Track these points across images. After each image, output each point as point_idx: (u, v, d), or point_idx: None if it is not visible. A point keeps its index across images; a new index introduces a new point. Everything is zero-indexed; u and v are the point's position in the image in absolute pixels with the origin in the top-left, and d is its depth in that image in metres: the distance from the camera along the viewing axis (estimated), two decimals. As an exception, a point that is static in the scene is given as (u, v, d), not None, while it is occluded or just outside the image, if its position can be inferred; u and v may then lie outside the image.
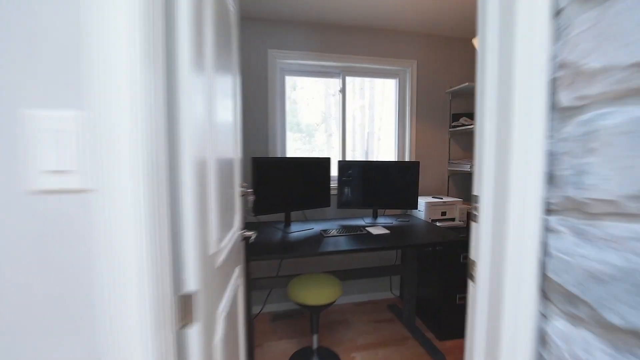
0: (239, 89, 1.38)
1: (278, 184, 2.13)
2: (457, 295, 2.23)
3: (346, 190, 2.42)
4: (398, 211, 2.81)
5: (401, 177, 2.43)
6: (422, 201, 2.55)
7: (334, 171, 2.72)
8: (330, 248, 1.75)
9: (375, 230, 2.11)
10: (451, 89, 2.82)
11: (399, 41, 2.74)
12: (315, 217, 2.64)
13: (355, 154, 2.83)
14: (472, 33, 2.81)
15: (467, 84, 2.61)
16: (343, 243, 1.84)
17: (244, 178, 2.45)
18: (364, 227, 2.23)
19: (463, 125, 2.77)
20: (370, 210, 2.72)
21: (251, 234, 1.35)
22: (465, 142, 3.00)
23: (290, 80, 2.63)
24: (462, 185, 3.02)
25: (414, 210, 2.66)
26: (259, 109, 2.50)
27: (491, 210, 0.72)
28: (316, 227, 2.22)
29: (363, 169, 2.41)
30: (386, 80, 2.85)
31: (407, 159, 2.86)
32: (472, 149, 3.18)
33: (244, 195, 1.36)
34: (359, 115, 2.81)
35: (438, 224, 2.47)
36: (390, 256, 2.85)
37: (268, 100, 2.50)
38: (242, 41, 2.44)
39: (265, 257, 1.64)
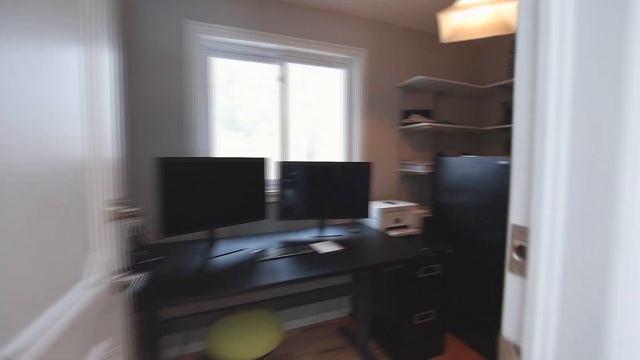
0: (118, 65, 0.86)
1: (197, 193, 1.62)
2: (415, 315, 1.95)
3: (288, 197, 1.99)
4: (348, 219, 2.47)
5: (351, 181, 2.09)
6: (374, 207, 2.24)
7: (273, 175, 2.27)
8: (266, 279, 1.31)
9: (323, 247, 1.72)
10: (402, 83, 2.57)
11: (348, 26, 2.40)
12: (250, 232, 2.16)
13: (299, 154, 2.41)
14: (428, 26, 2.60)
15: (419, 77, 2.37)
16: (283, 269, 1.41)
17: (131, 189, 1.87)
18: (309, 243, 1.83)
19: (414, 122, 2.54)
20: (317, 221, 2.33)
21: (135, 278, 0.85)
22: (416, 141, 2.79)
23: (221, 67, 2.11)
24: (414, 188, 2.80)
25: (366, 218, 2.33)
26: (170, 97, 1.94)
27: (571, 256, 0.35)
28: (250, 247, 1.75)
29: (307, 171, 2.01)
30: (333, 70, 2.49)
31: (355, 159, 2.54)
32: (425, 149, 3.10)
33: (120, 217, 0.85)
34: (303, 108, 2.40)
35: (392, 232, 2.18)
36: (339, 270, 2.49)
37: (183, 86, 1.96)
38: (141, 2, 1.86)
39: (166, 303, 1.13)
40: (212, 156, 1.85)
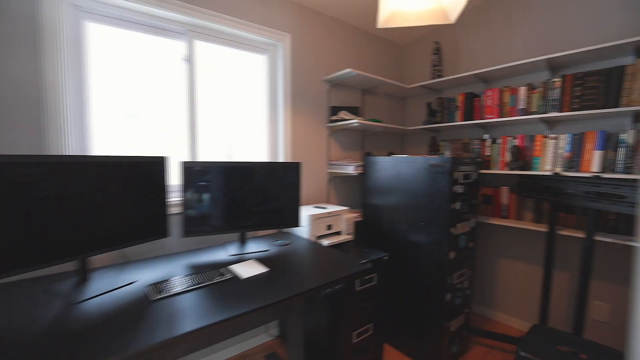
0: None
1: (51, 207, 1.10)
2: (354, 333, 1.75)
3: (197, 207, 1.57)
4: (273, 230, 2.15)
5: (278, 185, 1.78)
6: (304, 214, 1.97)
7: (177, 179, 1.81)
8: (163, 330, 0.91)
9: (245, 269, 1.37)
10: (329, 77, 2.37)
11: (270, 6, 2.08)
12: (145, 255, 1.67)
13: (213, 153, 1.99)
14: (358, 19, 2.45)
15: (349, 70, 2.20)
16: (191, 308, 1.02)
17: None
18: (227, 264, 1.45)
19: (344, 119, 2.36)
20: (236, 235, 1.95)
21: None
22: (345, 140, 2.63)
23: (106, 39, 1.55)
24: (343, 190, 2.63)
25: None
26: (20, 78, 1.33)
27: None
28: (143, 277, 1.29)
29: (223, 173, 1.62)
30: (253, 57, 2.14)
31: (280, 159, 2.24)
32: (353, 148, 2.91)
33: None
34: (218, 98, 1.99)
35: (324, 241, 1.94)
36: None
37: (40, 62, 1.37)
38: None
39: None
40: (85, 154, 1.31)
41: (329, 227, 2.05)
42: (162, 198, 1.45)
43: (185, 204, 1.53)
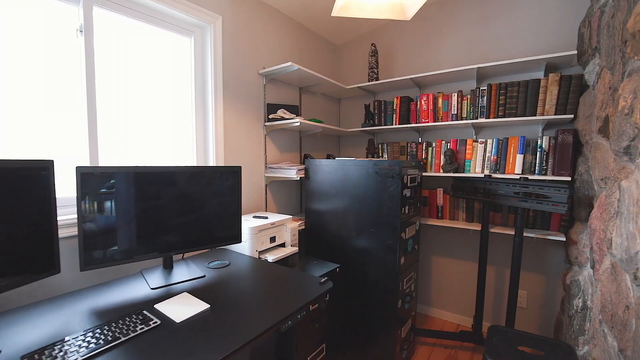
0: None
1: None
2: (308, 359, 1.55)
3: (100, 227, 1.16)
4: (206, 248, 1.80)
5: (212, 194, 1.46)
6: (244, 226, 1.69)
7: (65, 191, 1.35)
8: None
9: (179, 309, 1.05)
10: (267, 70, 2.12)
11: (193, -23, 1.73)
12: (26, 301, 1.17)
13: (124, 155, 1.55)
14: (295, 12, 2.25)
15: (290, 64, 1.99)
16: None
17: None
18: (151, 302, 1.09)
19: (284, 118, 2.15)
20: (160, 260, 1.56)
21: None
22: (282, 141, 2.41)
23: None
24: (282, 196, 2.41)
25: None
26: None
27: None
28: (10, 346, 0.85)
29: (139, 181, 1.24)
30: (178, 38, 1.76)
31: (211, 162, 1.91)
32: (290, 150, 2.64)
33: None
34: (129, 86, 1.56)
35: (268, 256, 1.70)
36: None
37: None
38: None
39: None
40: None
41: (272, 239, 1.81)
42: (48, 216, 1.01)
43: (85, 224, 1.11)
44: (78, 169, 1.10)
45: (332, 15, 1.38)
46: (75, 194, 1.33)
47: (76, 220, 1.25)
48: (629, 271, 0.94)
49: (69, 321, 0.96)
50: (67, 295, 1.16)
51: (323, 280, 1.29)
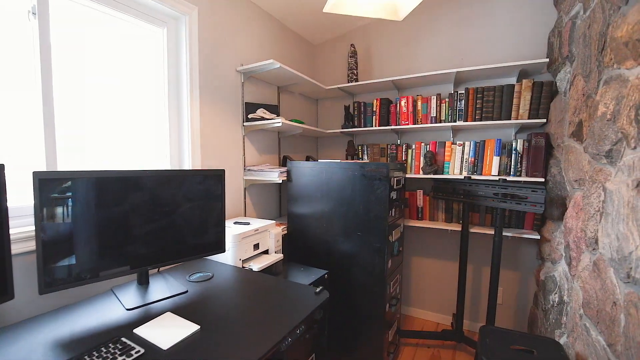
0: None
1: None
2: (297, 372, 1.47)
3: (62, 241, 1.00)
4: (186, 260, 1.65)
5: (190, 200, 1.34)
6: (226, 233, 1.57)
7: (22, 200, 1.17)
8: None
9: (163, 333, 0.92)
10: (246, 67, 2.01)
11: (166, -38, 1.58)
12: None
13: (82, 158, 1.36)
14: (274, 8, 2.15)
15: (271, 61, 1.90)
16: None
17: None
18: (128, 327, 0.96)
19: (264, 118, 2.05)
20: (134, 276, 1.39)
21: None
22: (261, 142, 2.30)
23: None
24: (261, 199, 2.30)
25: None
26: None
27: None
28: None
29: (106, 188, 1.09)
30: (149, 28, 1.59)
31: (186, 165, 1.76)
32: (269, 152, 2.50)
33: None
34: (92, 81, 1.37)
35: (253, 266, 1.60)
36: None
37: None
38: None
39: None
40: None
41: (256, 246, 1.71)
42: (-4, 236, 0.85)
43: (44, 239, 0.95)
44: (35, 174, 0.94)
45: (324, 11, 1.32)
46: (29, 203, 1.14)
47: (32, 234, 1.07)
48: (622, 270, 0.99)
49: (27, 358, 0.81)
50: (23, 323, 0.98)
51: (318, 290, 1.22)
